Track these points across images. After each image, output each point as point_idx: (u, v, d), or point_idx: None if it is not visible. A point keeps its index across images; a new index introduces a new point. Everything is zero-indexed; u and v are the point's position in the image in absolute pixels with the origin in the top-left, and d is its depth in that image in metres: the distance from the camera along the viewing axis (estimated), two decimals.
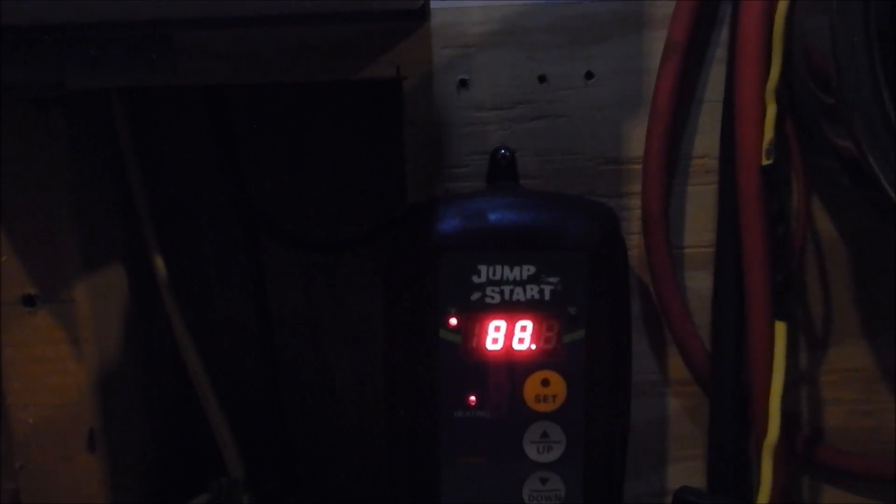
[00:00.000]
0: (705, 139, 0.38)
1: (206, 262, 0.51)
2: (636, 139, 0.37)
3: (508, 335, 0.32)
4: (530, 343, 0.32)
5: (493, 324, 0.32)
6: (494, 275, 0.31)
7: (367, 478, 0.53)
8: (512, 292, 0.32)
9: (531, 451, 0.33)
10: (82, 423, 0.42)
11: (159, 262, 0.46)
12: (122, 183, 0.45)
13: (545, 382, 0.32)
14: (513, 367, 0.32)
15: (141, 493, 0.47)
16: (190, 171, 0.49)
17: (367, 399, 0.52)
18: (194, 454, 0.51)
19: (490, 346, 0.32)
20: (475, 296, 0.32)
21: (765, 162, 0.33)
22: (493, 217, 0.32)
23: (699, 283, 0.38)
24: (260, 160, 0.49)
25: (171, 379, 0.50)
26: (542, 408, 0.32)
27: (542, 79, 0.37)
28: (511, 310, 0.32)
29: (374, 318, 0.51)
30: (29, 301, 0.41)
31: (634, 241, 0.38)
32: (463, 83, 0.37)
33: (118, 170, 0.45)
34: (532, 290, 0.32)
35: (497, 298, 0.32)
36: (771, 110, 0.33)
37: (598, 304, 0.32)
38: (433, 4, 0.36)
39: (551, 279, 0.31)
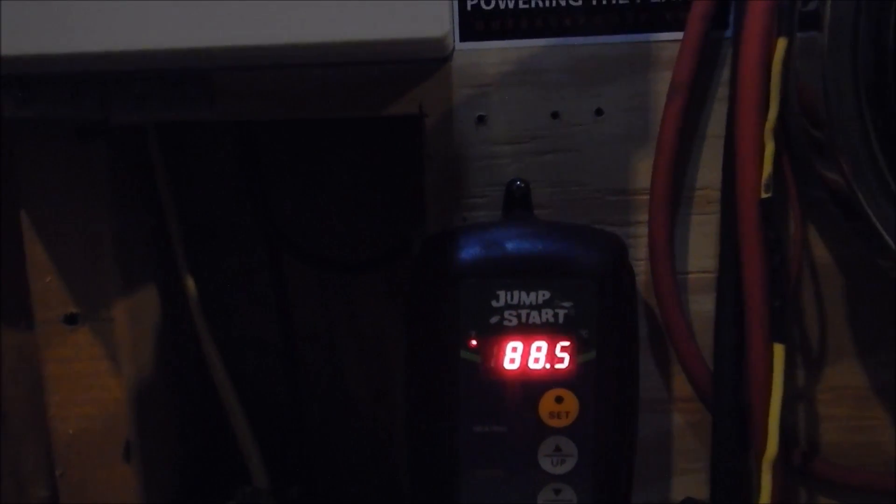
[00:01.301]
0: (707, 172, 0.40)
1: (231, 281, 0.53)
2: (643, 172, 0.40)
3: (525, 355, 0.34)
4: (545, 363, 0.34)
5: (510, 345, 0.34)
6: (512, 300, 0.34)
7: (382, 486, 0.55)
8: (528, 316, 0.34)
9: (545, 464, 0.35)
10: (119, 435, 0.44)
11: (190, 283, 0.49)
12: (156, 208, 0.48)
13: (559, 399, 0.35)
14: (529, 385, 0.35)
15: (172, 501, 0.49)
16: (217, 194, 0.52)
17: (382, 411, 0.55)
18: (221, 464, 0.53)
19: (508, 365, 0.34)
20: (494, 319, 0.34)
21: (763, 195, 0.35)
22: (509, 246, 0.34)
23: (702, 306, 0.41)
24: (284, 186, 0.52)
25: (199, 393, 0.52)
26: (556, 423, 0.35)
27: (554, 115, 0.40)
28: (527, 332, 0.34)
29: (388, 334, 0.54)
30: (71, 319, 0.43)
31: (641, 268, 0.40)
32: (481, 119, 0.40)
33: (152, 196, 0.47)
34: (547, 314, 0.34)
35: (514, 321, 0.34)
36: (769, 148, 0.35)
37: (608, 327, 0.34)
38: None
39: (565, 304, 0.34)
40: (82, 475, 0.45)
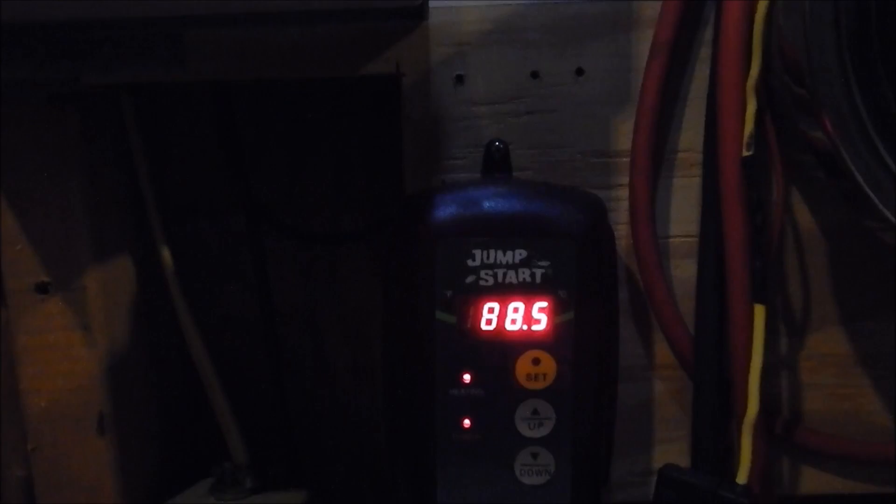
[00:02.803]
0: (690, 134, 0.39)
1: (210, 256, 0.52)
2: (624, 133, 0.39)
3: (501, 316, 0.34)
4: (522, 324, 0.34)
5: (486, 305, 0.34)
6: (488, 259, 0.33)
7: (365, 464, 0.55)
8: (505, 275, 0.33)
9: (522, 427, 0.34)
10: (92, 408, 0.43)
11: (166, 254, 0.48)
12: (131, 178, 0.47)
13: (536, 361, 0.34)
14: (505, 347, 0.34)
15: (148, 476, 0.48)
16: (195, 168, 0.51)
17: (365, 389, 0.54)
18: (200, 441, 0.52)
19: (484, 326, 0.34)
20: (470, 278, 0.33)
21: (745, 154, 0.35)
22: (486, 205, 0.33)
23: (684, 271, 0.40)
24: (263, 157, 0.51)
25: (177, 368, 0.51)
26: (533, 386, 0.34)
27: (534, 75, 0.39)
28: (504, 292, 0.33)
29: (373, 311, 0.53)
30: (42, 288, 0.42)
31: (623, 231, 0.40)
32: (459, 79, 0.39)
33: (127, 165, 0.47)
34: (524, 274, 0.33)
35: (490, 281, 0.33)
36: (751, 105, 0.34)
37: (586, 288, 0.34)
38: (431, 4, 0.38)
39: (542, 263, 0.33)
40: (56, 449, 0.44)
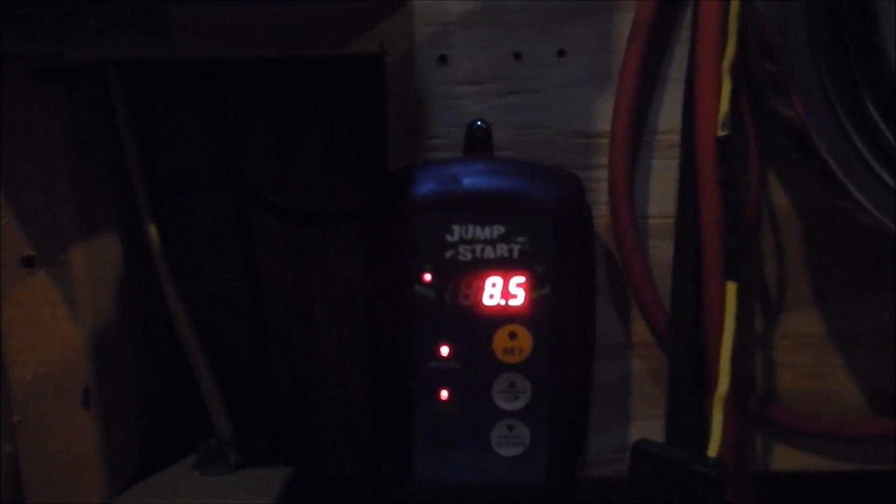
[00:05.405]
0: (670, 116, 0.40)
1: (198, 235, 0.53)
2: (605, 114, 0.40)
3: (479, 291, 0.34)
4: (499, 298, 0.34)
5: (464, 280, 0.34)
6: (467, 234, 0.34)
7: (349, 441, 0.55)
8: (483, 250, 0.34)
9: (499, 400, 0.35)
10: (78, 381, 0.44)
11: (152, 230, 0.48)
12: (119, 154, 0.47)
13: (513, 335, 0.35)
14: (483, 321, 0.35)
15: (134, 451, 0.48)
16: (183, 146, 0.51)
17: (352, 367, 0.55)
18: (187, 418, 0.53)
19: (462, 300, 0.34)
20: (448, 253, 0.34)
21: (720, 133, 0.35)
22: (465, 181, 0.34)
23: (662, 251, 0.41)
24: (253, 135, 0.51)
25: (164, 345, 0.52)
26: (510, 359, 0.35)
27: (517, 56, 0.39)
28: (482, 267, 0.34)
29: (361, 290, 0.53)
30: (28, 262, 0.43)
31: (602, 211, 0.40)
32: (442, 59, 0.39)
33: (115, 141, 0.47)
34: (501, 249, 0.34)
35: (469, 256, 0.34)
36: (726, 85, 0.35)
37: (563, 263, 0.34)
38: None
39: (520, 239, 0.34)
40: (40, 422, 0.44)
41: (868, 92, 0.31)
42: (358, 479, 0.56)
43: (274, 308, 0.53)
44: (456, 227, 0.34)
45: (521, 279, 0.34)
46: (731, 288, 0.35)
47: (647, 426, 0.42)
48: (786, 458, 0.42)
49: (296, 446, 0.55)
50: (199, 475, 0.47)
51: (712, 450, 0.35)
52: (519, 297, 0.34)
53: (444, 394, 0.35)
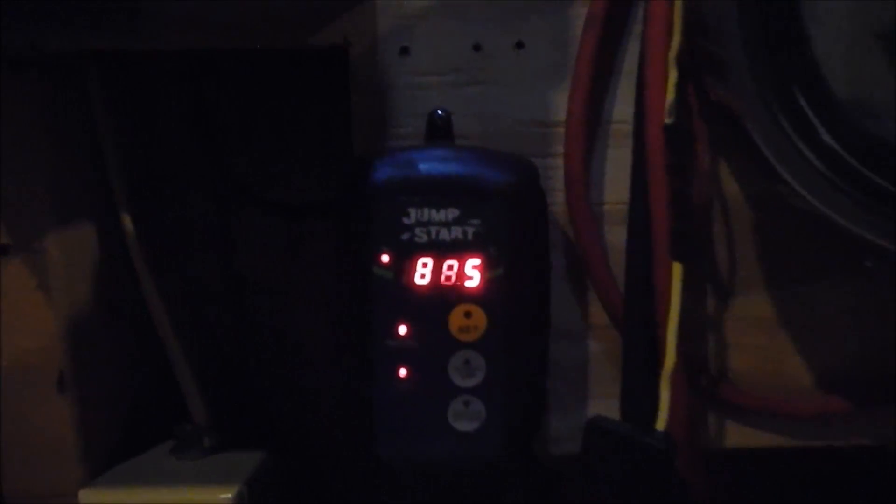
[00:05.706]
0: (624, 106, 0.41)
1: (176, 225, 0.54)
2: (562, 104, 0.41)
3: (435, 271, 0.36)
4: (455, 279, 0.36)
5: (421, 261, 0.36)
6: (422, 217, 0.35)
7: (327, 430, 0.56)
8: (438, 232, 0.35)
9: (455, 377, 0.36)
10: (53, 367, 0.45)
11: (127, 220, 0.49)
12: (96, 145, 0.48)
13: (468, 315, 0.36)
14: (439, 301, 0.36)
15: (111, 437, 0.49)
16: (162, 136, 0.53)
17: (329, 357, 0.56)
18: (164, 403, 0.54)
19: (419, 280, 0.36)
20: (405, 236, 0.35)
21: (667, 120, 0.37)
22: (421, 166, 0.35)
23: (618, 237, 0.42)
24: (234, 128, 0.53)
25: (141, 332, 0.53)
26: (465, 338, 0.36)
27: (476, 48, 0.41)
28: (437, 248, 0.35)
29: (337, 279, 0.54)
30: (3, 250, 0.44)
31: (559, 198, 0.42)
32: (404, 50, 0.41)
33: (93, 133, 0.48)
34: (456, 231, 0.35)
35: (425, 238, 0.35)
36: (672, 75, 0.37)
37: (516, 245, 0.36)
38: None
39: (473, 221, 0.35)
40: (17, 408, 0.45)
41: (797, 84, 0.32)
42: (332, 462, 0.57)
43: (252, 298, 0.55)
44: (412, 211, 0.35)
45: (476, 261, 0.36)
46: (677, 268, 0.37)
47: (605, 405, 0.43)
48: (738, 436, 0.44)
49: (271, 430, 0.56)
50: (174, 459, 0.48)
51: (660, 423, 0.37)
52: (474, 278, 0.36)
53: (403, 371, 0.36)
